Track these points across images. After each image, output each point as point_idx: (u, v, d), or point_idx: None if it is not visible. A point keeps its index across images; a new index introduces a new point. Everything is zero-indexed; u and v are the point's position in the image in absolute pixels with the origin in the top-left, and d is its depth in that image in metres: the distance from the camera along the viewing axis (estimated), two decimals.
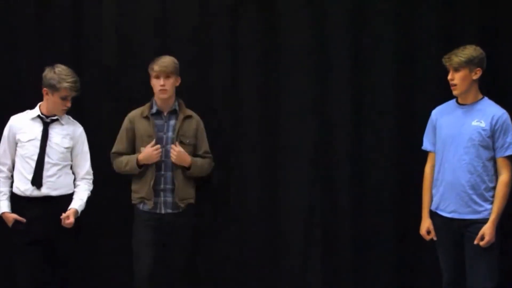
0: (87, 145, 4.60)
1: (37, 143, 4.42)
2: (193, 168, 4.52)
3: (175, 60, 4.54)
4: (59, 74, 4.41)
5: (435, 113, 4.28)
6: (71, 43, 4.95)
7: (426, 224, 4.27)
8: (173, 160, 4.47)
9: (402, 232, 4.79)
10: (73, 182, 4.54)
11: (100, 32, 4.95)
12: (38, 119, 4.47)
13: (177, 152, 4.46)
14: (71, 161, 4.54)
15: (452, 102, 4.21)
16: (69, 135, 4.51)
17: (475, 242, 4.00)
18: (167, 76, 4.48)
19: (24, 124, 4.47)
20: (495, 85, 4.48)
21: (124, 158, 4.56)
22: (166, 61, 4.49)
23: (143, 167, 4.50)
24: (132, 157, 4.52)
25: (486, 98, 4.13)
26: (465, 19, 4.73)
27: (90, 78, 4.94)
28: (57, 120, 4.48)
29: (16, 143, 4.46)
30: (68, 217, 4.40)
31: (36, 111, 4.49)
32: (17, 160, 4.47)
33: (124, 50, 4.95)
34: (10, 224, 4.44)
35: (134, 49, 4.95)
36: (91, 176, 4.61)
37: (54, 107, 4.45)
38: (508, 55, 4.65)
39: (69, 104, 4.46)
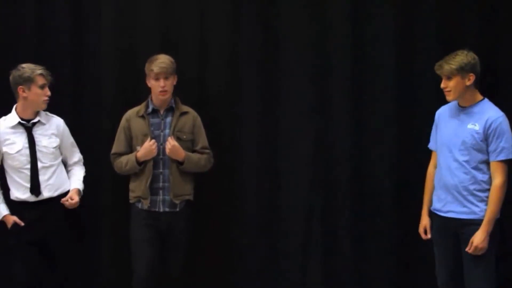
0: (71, 135, 4.60)
1: (26, 152, 4.38)
2: (186, 163, 4.49)
3: (172, 59, 4.51)
4: (27, 67, 4.39)
5: (438, 113, 4.27)
6: (71, 43, 4.96)
7: (423, 222, 4.28)
8: (167, 153, 4.46)
9: (402, 232, 4.79)
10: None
11: (99, 32, 4.95)
12: (20, 126, 4.40)
13: (171, 145, 4.44)
14: (61, 154, 4.54)
15: (455, 103, 4.18)
16: (54, 134, 4.49)
17: (466, 249, 3.98)
18: (166, 77, 4.46)
19: (7, 135, 4.39)
20: (495, 86, 4.48)
21: (124, 158, 4.55)
22: (165, 62, 4.45)
23: (142, 165, 4.49)
24: (131, 156, 4.51)
25: (486, 100, 4.11)
26: (465, 18, 4.72)
27: (90, 78, 4.96)
28: (38, 121, 4.44)
29: (2, 155, 4.41)
30: (72, 198, 4.42)
31: (15, 118, 4.41)
32: (9, 170, 4.42)
33: (124, 50, 4.95)
34: (9, 226, 4.42)
35: (134, 49, 4.95)
36: (82, 161, 4.65)
37: (35, 101, 4.38)
38: (508, 56, 4.64)
39: (49, 93, 4.40)
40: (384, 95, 4.80)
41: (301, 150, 4.89)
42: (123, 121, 4.59)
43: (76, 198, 4.44)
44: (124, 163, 4.54)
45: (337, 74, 4.83)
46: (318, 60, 4.86)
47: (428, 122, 4.55)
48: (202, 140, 4.60)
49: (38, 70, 4.38)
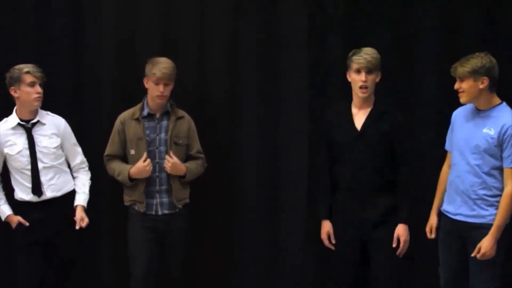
0: (74, 135, 4.60)
1: (27, 152, 4.38)
2: (188, 175, 4.51)
3: (173, 64, 4.47)
4: (17, 67, 4.39)
5: (455, 115, 4.23)
6: (71, 43, 4.96)
7: (430, 221, 4.25)
8: (168, 171, 4.44)
9: None
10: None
11: (100, 32, 4.95)
12: (19, 127, 4.41)
13: (171, 163, 4.43)
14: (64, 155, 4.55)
15: (472, 105, 4.12)
16: (55, 134, 4.48)
17: (472, 255, 3.95)
18: (166, 84, 4.42)
19: (8, 137, 4.41)
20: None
21: (116, 167, 4.54)
22: (167, 68, 4.39)
23: (134, 181, 4.48)
24: (124, 170, 4.49)
25: (504, 104, 4.05)
26: (465, 18, 4.71)
27: (90, 78, 4.96)
28: (38, 122, 4.44)
29: (4, 156, 4.42)
30: (82, 219, 4.45)
31: (15, 119, 4.42)
32: (12, 171, 4.44)
33: (124, 50, 4.95)
34: (14, 226, 4.44)
35: (134, 48, 4.94)
36: (86, 164, 4.65)
37: (27, 100, 4.37)
38: (508, 55, 4.63)
39: (39, 90, 4.37)
40: (384, 95, 4.78)
41: (301, 150, 4.89)
42: (117, 124, 4.57)
43: (86, 219, 4.47)
44: (116, 172, 4.53)
45: (337, 74, 4.82)
46: (318, 60, 4.85)
47: (428, 124, 4.56)
48: (197, 145, 4.60)
49: (26, 68, 4.37)
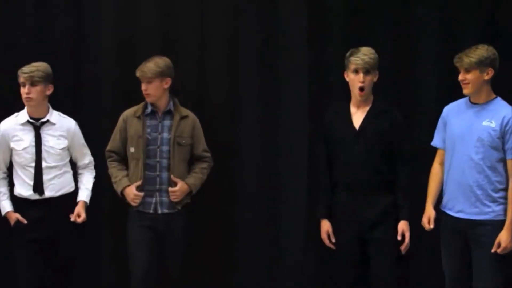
0: (83, 137, 4.61)
1: (32, 150, 4.39)
2: (194, 190, 4.54)
3: (161, 63, 4.45)
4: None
5: (447, 110, 4.20)
6: (71, 44, 4.96)
7: (427, 213, 4.19)
8: (176, 201, 4.47)
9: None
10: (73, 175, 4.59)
11: (100, 32, 4.96)
12: (29, 124, 4.43)
13: (177, 191, 4.46)
14: (70, 155, 4.55)
15: (464, 100, 4.12)
16: (63, 136, 4.49)
17: (492, 250, 3.92)
18: (148, 81, 4.43)
19: (16, 132, 4.42)
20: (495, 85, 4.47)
21: (114, 173, 4.55)
22: (147, 66, 4.42)
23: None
24: (119, 184, 4.51)
25: (499, 98, 4.06)
26: (466, 18, 4.72)
27: (90, 78, 4.96)
28: (47, 121, 4.45)
29: (11, 150, 4.43)
30: (79, 215, 4.44)
31: (25, 116, 4.44)
32: (15, 166, 4.45)
33: (124, 50, 4.95)
34: (12, 223, 4.44)
35: (134, 49, 4.95)
36: (93, 163, 4.66)
37: (23, 99, 4.41)
38: (508, 55, 4.63)
39: (26, 90, 4.36)
40: (384, 95, 4.78)
41: (301, 150, 4.89)
42: (120, 121, 4.58)
43: (83, 215, 4.46)
44: (113, 179, 4.56)
45: (337, 74, 4.81)
46: (318, 60, 4.85)
47: (427, 123, 4.55)
48: (202, 144, 4.60)
49: (20, 69, 4.40)
